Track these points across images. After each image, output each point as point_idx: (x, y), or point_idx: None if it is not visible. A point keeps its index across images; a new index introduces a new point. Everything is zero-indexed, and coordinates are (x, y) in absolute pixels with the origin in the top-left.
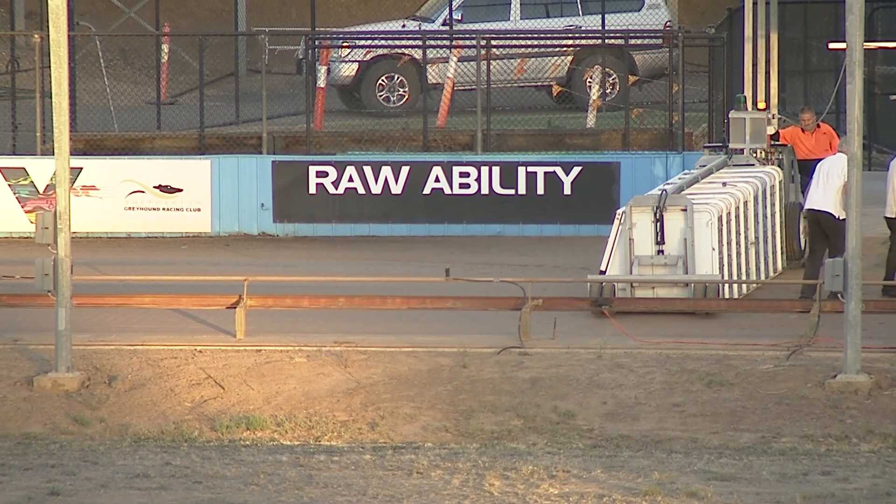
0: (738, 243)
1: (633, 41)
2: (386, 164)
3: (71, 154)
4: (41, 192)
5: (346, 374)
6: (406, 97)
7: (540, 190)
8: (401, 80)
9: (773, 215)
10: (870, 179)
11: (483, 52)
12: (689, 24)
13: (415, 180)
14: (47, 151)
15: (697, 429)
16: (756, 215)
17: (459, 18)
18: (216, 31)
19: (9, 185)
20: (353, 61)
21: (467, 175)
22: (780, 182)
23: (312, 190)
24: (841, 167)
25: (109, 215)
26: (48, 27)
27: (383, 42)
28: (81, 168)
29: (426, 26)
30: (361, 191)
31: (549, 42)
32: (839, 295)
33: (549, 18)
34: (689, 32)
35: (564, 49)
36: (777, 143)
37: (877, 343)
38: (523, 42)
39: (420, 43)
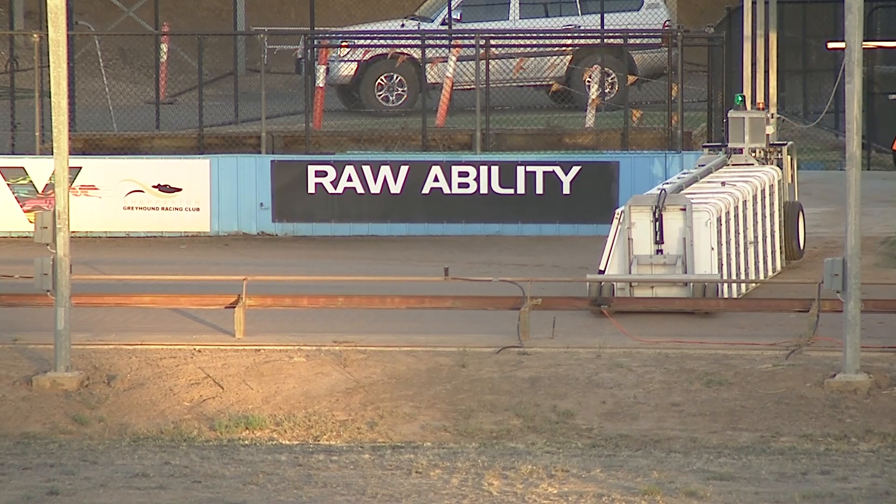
0: (737, 243)
1: (632, 41)
2: (385, 163)
3: (70, 153)
4: (40, 191)
5: (345, 374)
6: (405, 97)
7: (539, 189)
8: (400, 80)
9: (771, 215)
10: (869, 178)
11: (482, 51)
12: (688, 24)
13: (414, 180)
14: (46, 151)
15: (696, 428)
16: (755, 215)
17: (458, 18)
18: (215, 31)
19: (8, 184)
20: (352, 61)
21: (466, 174)
22: (778, 181)
23: (311, 189)
24: None
25: (108, 215)
26: (47, 26)
27: (382, 42)
28: (80, 167)
29: (425, 26)
30: (360, 190)
31: (548, 41)
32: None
33: (548, 18)
34: (688, 32)
35: (563, 49)
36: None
37: (876, 342)
38: (522, 41)
39: (419, 42)
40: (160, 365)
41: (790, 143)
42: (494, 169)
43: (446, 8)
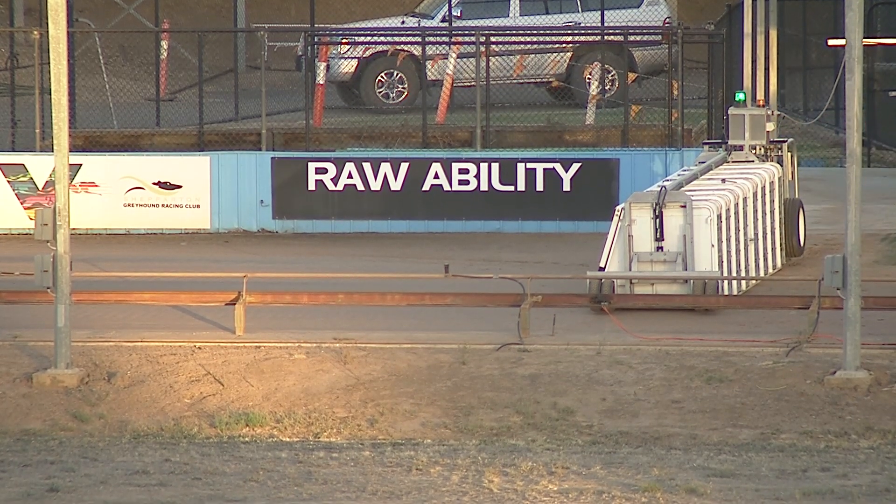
0: (737, 240)
1: (632, 38)
2: (385, 160)
3: (70, 150)
4: (40, 188)
5: (346, 371)
6: (405, 94)
7: (539, 186)
8: (400, 77)
9: (772, 212)
10: (869, 176)
11: (482, 48)
12: (689, 21)
13: (414, 177)
14: (47, 148)
15: (696, 425)
16: (755, 212)
17: (458, 15)
18: (215, 28)
19: (8, 181)
20: (353, 58)
21: (466, 171)
22: (779, 178)
23: (312, 186)
24: None
25: (109, 212)
26: (47, 23)
27: (383, 39)
28: (81, 164)
29: (425, 23)
30: (361, 187)
31: (548, 38)
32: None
33: (548, 15)
34: (689, 29)
35: (564, 45)
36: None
37: (876, 339)
38: (522, 38)
39: (419, 39)
40: (160, 362)
41: (790, 140)
42: (495, 166)
43: (447, 5)
